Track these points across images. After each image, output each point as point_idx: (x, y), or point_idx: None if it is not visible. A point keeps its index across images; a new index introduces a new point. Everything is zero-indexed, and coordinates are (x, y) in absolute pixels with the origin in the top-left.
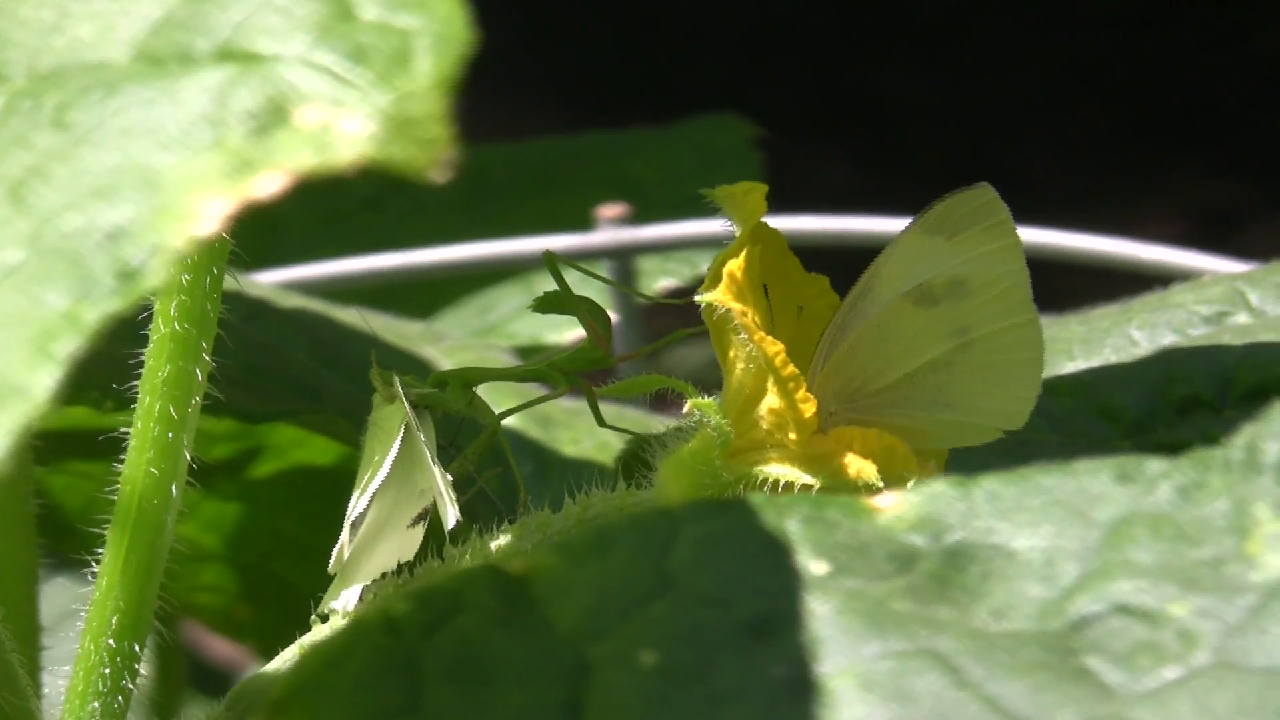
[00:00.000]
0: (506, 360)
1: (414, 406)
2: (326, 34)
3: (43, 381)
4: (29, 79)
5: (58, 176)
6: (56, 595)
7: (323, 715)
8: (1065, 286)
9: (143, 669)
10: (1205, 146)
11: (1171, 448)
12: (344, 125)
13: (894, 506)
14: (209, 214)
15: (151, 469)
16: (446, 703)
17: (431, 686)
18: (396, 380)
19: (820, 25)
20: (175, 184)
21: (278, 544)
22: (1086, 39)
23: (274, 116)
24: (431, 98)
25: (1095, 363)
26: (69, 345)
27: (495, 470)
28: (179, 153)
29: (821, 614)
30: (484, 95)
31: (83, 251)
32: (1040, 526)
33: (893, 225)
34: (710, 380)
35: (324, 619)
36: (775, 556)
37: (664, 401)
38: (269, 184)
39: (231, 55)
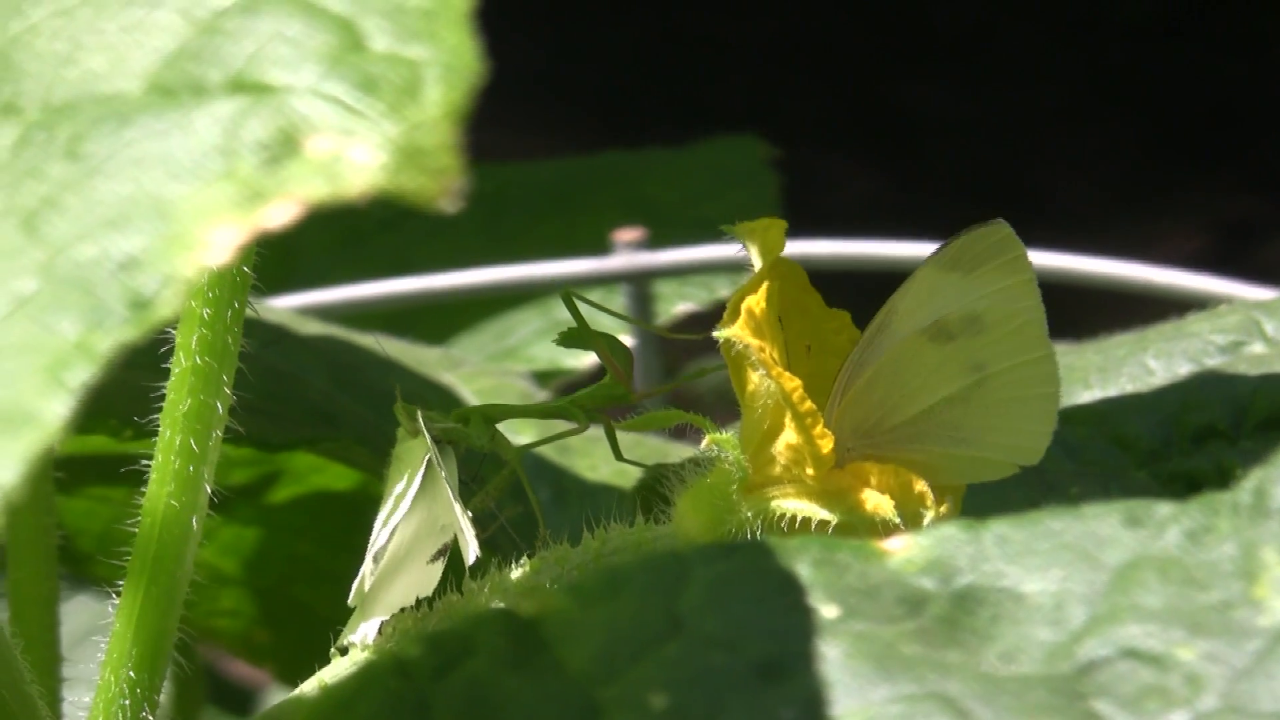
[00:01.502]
0: (524, 386)
1: (437, 441)
2: (337, 65)
3: (54, 409)
4: (43, 111)
5: (71, 207)
6: (77, 615)
7: None
8: (1082, 307)
9: (161, 694)
10: (1226, 160)
11: (1186, 477)
12: (354, 155)
13: (904, 549)
14: (221, 243)
15: (172, 501)
16: None
17: None
18: (420, 414)
19: (843, 39)
20: (187, 214)
21: (296, 568)
22: (1108, 52)
23: (285, 146)
24: (441, 128)
25: (1111, 391)
26: (81, 374)
27: (518, 508)
28: (191, 183)
29: (831, 657)
30: (501, 114)
31: (95, 281)
32: (1049, 570)
33: (907, 249)
34: (734, 398)
35: (343, 652)
36: (785, 599)
37: (682, 428)
38: (280, 213)
39: (243, 86)
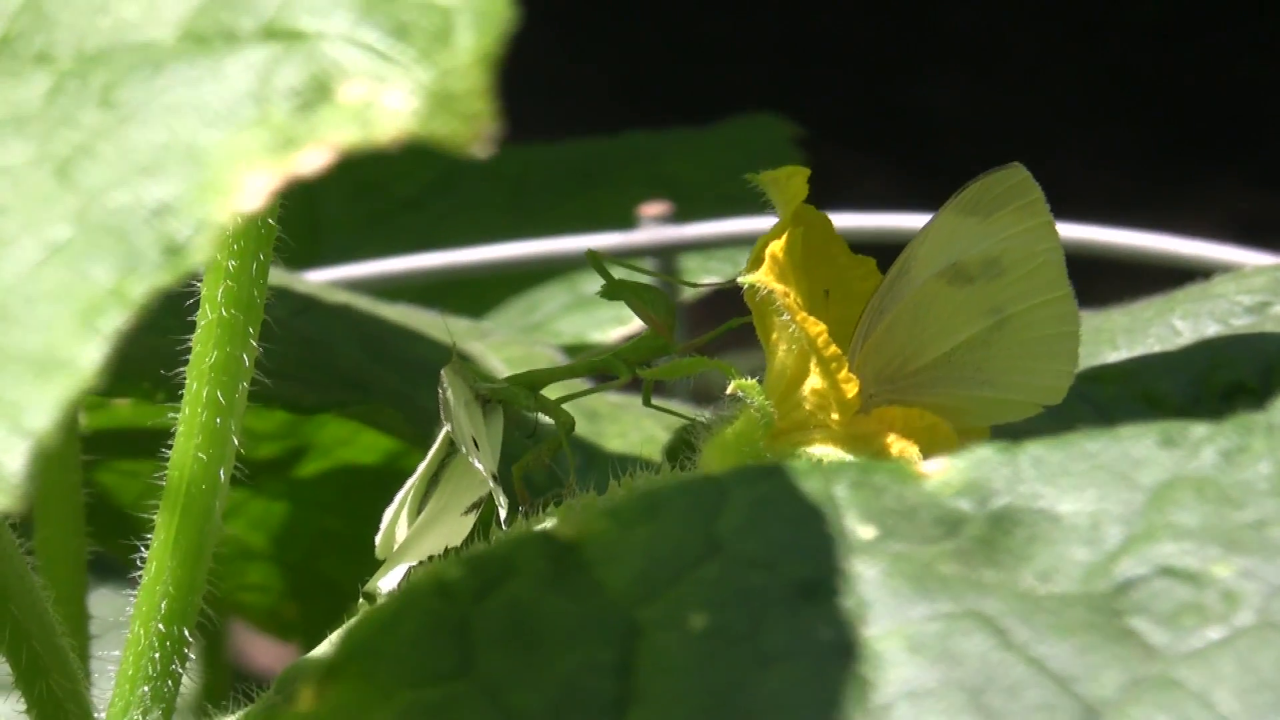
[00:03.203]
0: (553, 354)
1: (486, 401)
2: (369, 12)
3: (89, 355)
4: (76, 60)
5: (105, 154)
6: (97, 606)
7: (376, 677)
8: (1101, 291)
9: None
10: (1242, 157)
11: None
12: (387, 101)
13: (940, 472)
14: (254, 189)
15: (199, 454)
16: (498, 664)
17: (483, 648)
18: (470, 374)
19: (857, 35)
20: (220, 160)
21: (323, 542)
22: (1123, 49)
23: (318, 93)
24: (473, 73)
25: (1139, 352)
26: (115, 320)
27: (544, 456)
28: (224, 129)
29: (869, 577)
30: (524, 98)
31: (129, 227)
32: (1085, 490)
33: (913, 220)
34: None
35: (370, 599)
36: (823, 520)
37: (706, 397)
38: (313, 159)
39: (275, 33)
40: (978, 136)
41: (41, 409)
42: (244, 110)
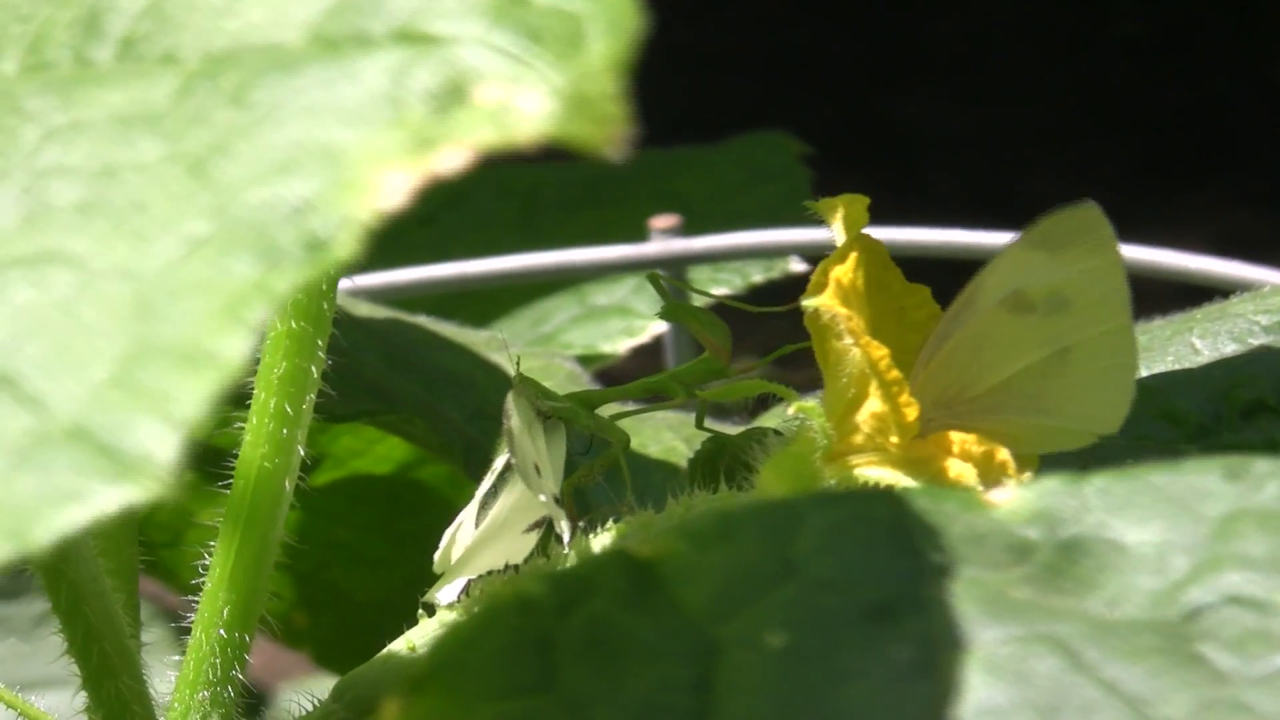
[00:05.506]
0: (571, 367)
1: (546, 418)
2: (502, 17)
3: (235, 346)
4: (203, 61)
5: (240, 152)
6: None
7: (461, 691)
8: None
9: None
10: (1224, 175)
11: (1237, 450)
12: (522, 103)
13: (1009, 501)
14: (392, 187)
15: (265, 463)
16: (580, 679)
17: (566, 663)
18: (532, 390)
19: (838, 53)
20: (358, 159)
21: (334, 552)
22: (1104, 68)
23: (453, 95)
24: (606, 78)
25: (1157, 369)
26: (259, 312)
27: (596, 472)
28: (360, 129)
29: (941, 600)
30: None
31: (269, 223)
32: (1151, 522)
33: (916, 235)
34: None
35: (429, 610)
36: (895, 545)
37: (724, 412)
38: (452, 159)
39: (408, 37)
40: (960, 153)
41: (190, 400)
42: (380, 111)
